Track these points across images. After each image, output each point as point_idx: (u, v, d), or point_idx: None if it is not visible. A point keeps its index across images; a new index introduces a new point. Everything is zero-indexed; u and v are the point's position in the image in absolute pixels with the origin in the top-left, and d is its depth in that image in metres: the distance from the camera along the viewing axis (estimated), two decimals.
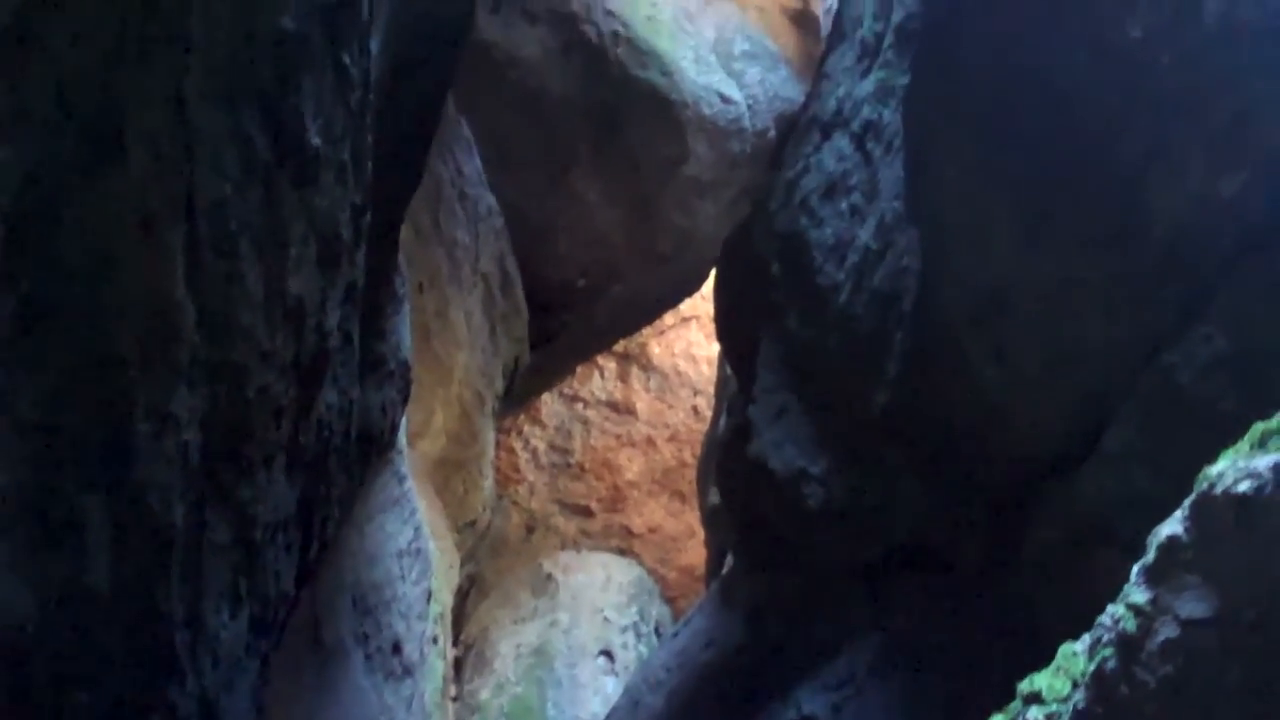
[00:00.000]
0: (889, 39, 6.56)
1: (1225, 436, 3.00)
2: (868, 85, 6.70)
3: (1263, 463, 2.70)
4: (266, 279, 4.16)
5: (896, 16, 6.51)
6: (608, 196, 12.12)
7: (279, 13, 4.07)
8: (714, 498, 10.82)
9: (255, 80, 4.02)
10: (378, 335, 6.31)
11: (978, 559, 5.47)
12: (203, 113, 3.73)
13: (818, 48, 10.78)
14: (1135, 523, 3.28)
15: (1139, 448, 4.17)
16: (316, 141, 4.32)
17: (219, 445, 4.02)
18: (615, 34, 11.90)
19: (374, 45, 4.81)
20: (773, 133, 12.29)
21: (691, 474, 14.77)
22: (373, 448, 6.36)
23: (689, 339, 16.50)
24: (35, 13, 3.11)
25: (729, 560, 9.54)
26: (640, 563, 14.75)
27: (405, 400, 6.91)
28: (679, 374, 16.42)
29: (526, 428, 15.64)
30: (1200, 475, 2.82)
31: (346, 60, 4.49)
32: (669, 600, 14.31)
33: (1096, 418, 4.38)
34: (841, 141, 6.81)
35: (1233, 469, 2.75)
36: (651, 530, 15.53)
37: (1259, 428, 2.78)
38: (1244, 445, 2.79)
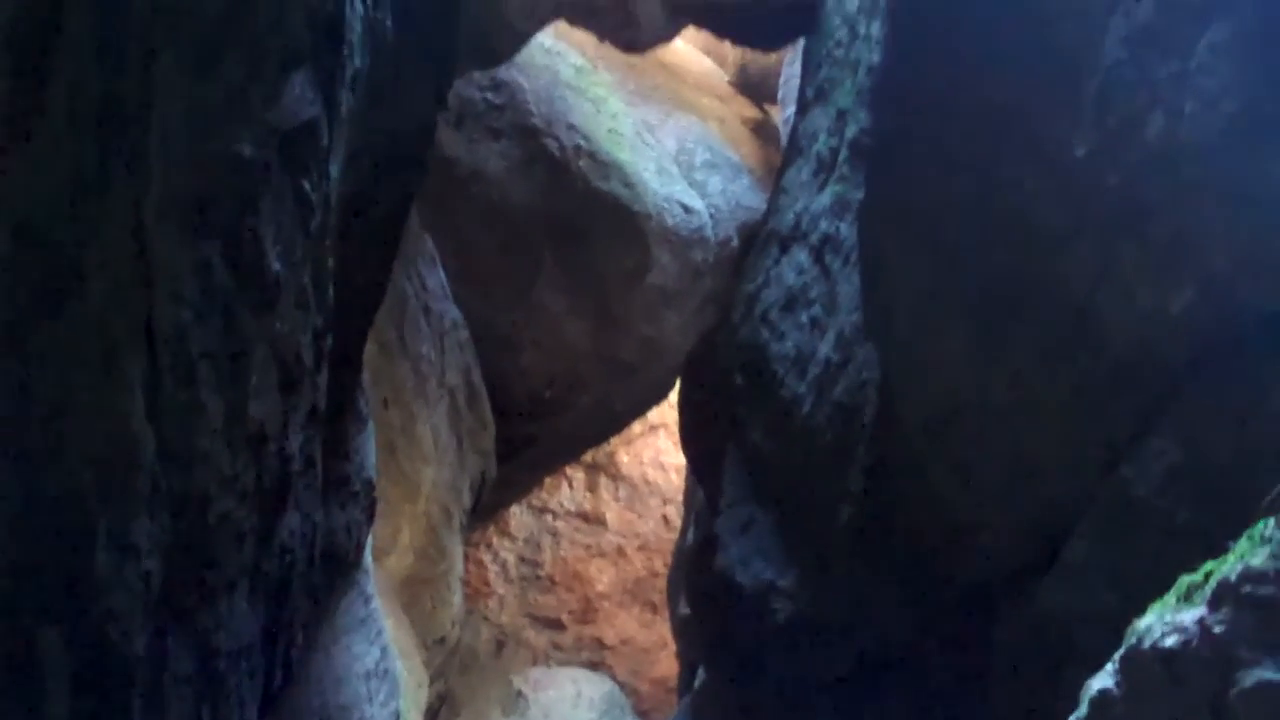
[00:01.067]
0: (844, 154, 6.67)
1: (1184, 548, 3.02)
2: (824, 199, 6.80)
3: (1188, 616, 2.70)
4: (227, 405, 4.16)
5: (850, 132, 6.62)
6: (572, 307, 12.17)
7: (237, 140, 4.11)
8: (684, 608, 10.77)
9: (214, 208, 4.05)
10: (342, 455, 6.30)
11: (948, 669, 5.46)
12: (162, 241, 3.75)
13: (778, 157, 10.91)
14: (1097, 636, 3.28)
15: (1098, 560, 4.19)
16: (276, 267, 4.34)
17: (181, 573, 4.00)
18: (577, 147, 12.03)
19: (334, 168, 4.85)
20: (735, 241, 12.40)
21: (663, 583, 14.70)
22: (338, 569, 6.32)
23: (657, 447, 16.49)
24: None
25: (700, 673, 9.48)
26: (612, 676, 14.61)
27: (370, 520, 6.88)
28: (648, 483, 16.40)
29: (496, 540, 15.56)
30: (1129, 629, 2.83)
31: (306, 186, 4.53)
32: (641, 714, 14.18)
33: (1056, 530, 4.40)
34: (800, 255, 6.89)
35: (1159, 623, 2.75)
36: (624, 642, 15.42)
37: (1184, 581, 2.79)
38: (1170, 598, 2.80)
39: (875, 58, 6.44)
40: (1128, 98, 3.90)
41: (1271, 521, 2.70)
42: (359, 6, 4.85)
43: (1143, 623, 2.81)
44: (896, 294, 5.30)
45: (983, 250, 4.58)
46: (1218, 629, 2.62)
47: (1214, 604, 2.65)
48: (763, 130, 14.06)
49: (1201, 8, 3.61)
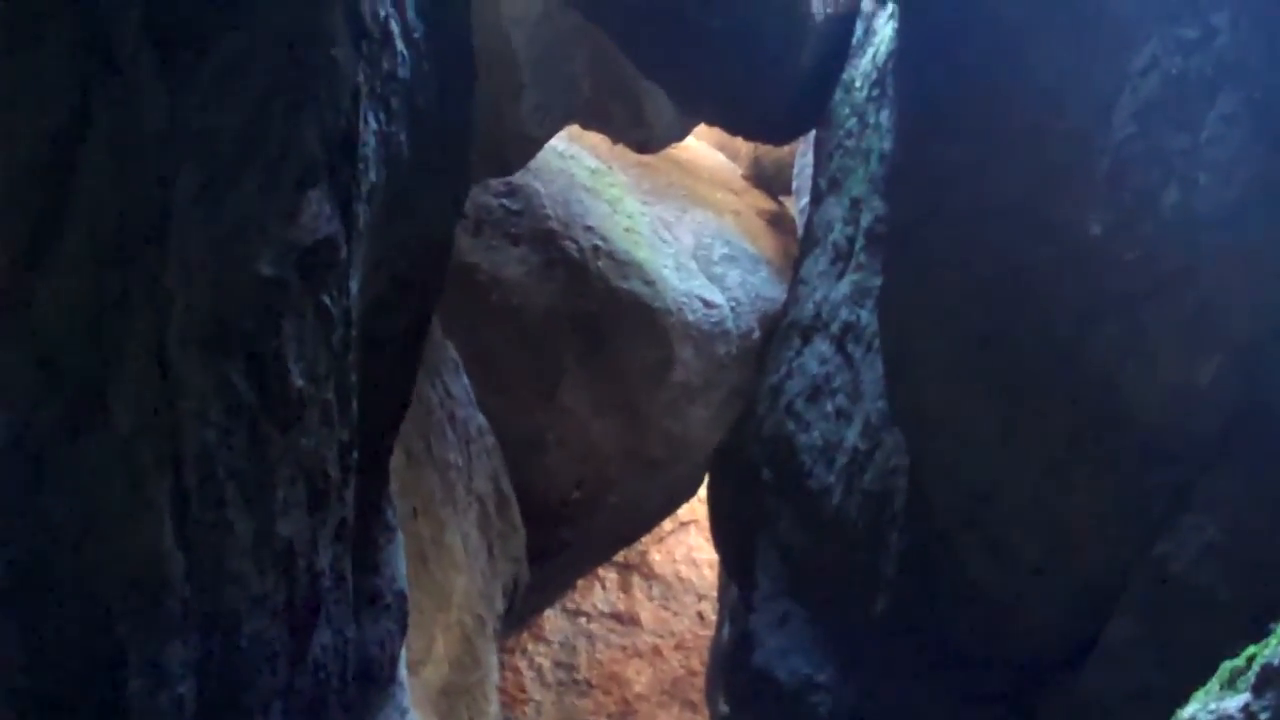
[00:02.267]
0: (860, 242, 6.69)
1: (1226, 626, 2.97)
2: (843, 288, 6.80)
3: (1232, 704, 2.65)
4: (255, 524, 4.16)
5: (865, 220, 6.64)
6: (597, 407, 12.14)
7: (256, 259, 4.14)
8: (724, 706, 10.65)
9: (236, 327, 4.07)
10: (372, 569, 6.27)
11: None
12: (185, 363, 3.76)
13: (795, 247, 10.94)
14: (1143, 716, 3.23)
15: (1140, 640, 4.13)
16: (300, 383, 4.35)
17: (214, 696, 3.97)
18: (596, 248, 12.08)
19: (354, 283, 4.88)
20: (757, 333, 12.38)
21: (701, 682, 14.53)
22: (372, 685, 6.27)
23: (689, 544, 16.38)
24: (20, 274, 3.17)
25: None
26: None
27: (403, 632, 6.83)
28: (681, 580, 16.27)
29: (530, 646, 15.43)
30: (1173, 717, 2.78)
31: (327, 301, 4.55)
32: None
33: (1097, 610, 4.35)
34: (822, 345, 6.89)
35: (1204, 711, 2.71)
36: None
37: (1227, 666, 2.74)
38: (1214, 684, 2.76)
39: (886, 146, 6.48)
40: (1141, 172, 3.91)
41: None
42: (373, 122, 4.91)
43: (1187, 711, 2.76)
44: (922, 379, 5.28)
45: (1006, 332, 4.57)
46: (1263, 716, 2.57)
47: (1258, 690, 2.60)
48: (779, 222, 14.11)
49: (1209, 80, 3.63)
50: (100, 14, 3.32)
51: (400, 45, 5.20)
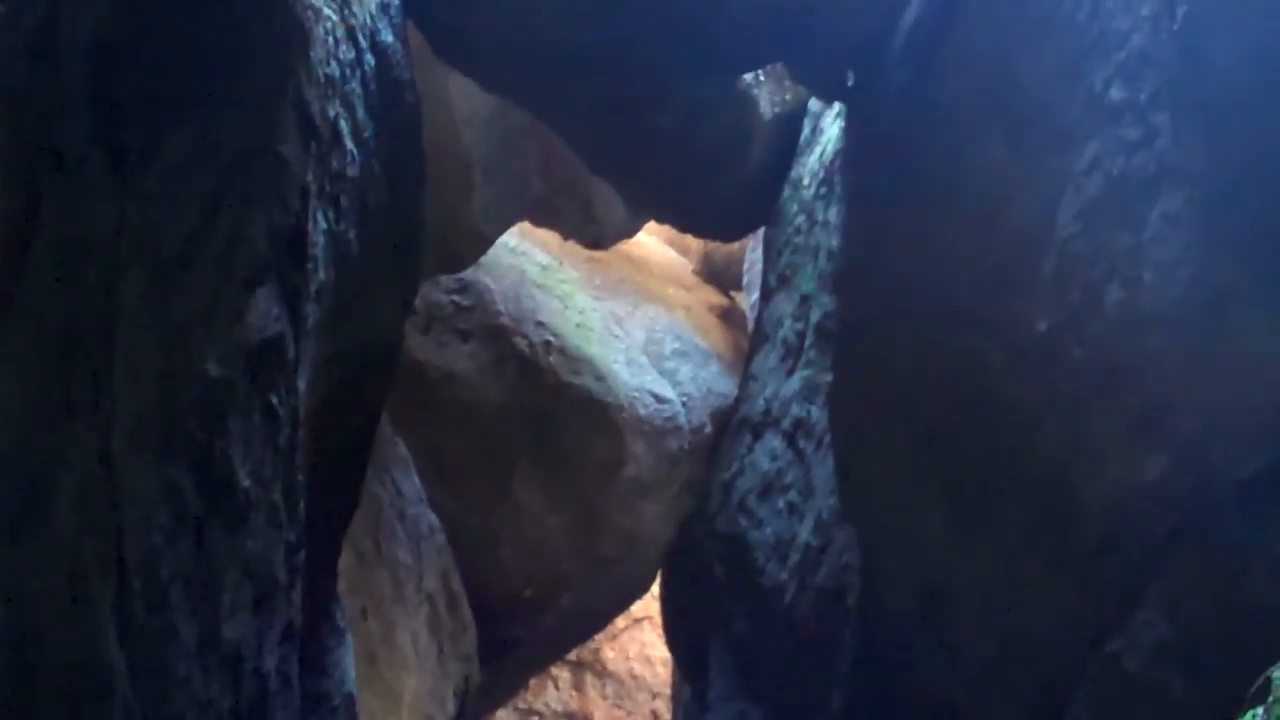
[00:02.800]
0: (810, 338, 6.72)
1: None
2: (794, 384, 6.82)
3: None
4: (200, 628, 4.09)
5: (815, 316, 6.67)
6: (549, 504, 12.08)
7: (203, 359, 4.11)
8: None
9: (182, 429, 4.03)
10: (320, 671, 6.19)
11: None
12: (130, 466, 3.72)
13: (746, 341, 10.99)
14: None
15: None
16: (246, 485, 4.31)
17: None
18: (547, 343, 12.09)
19: (301, 382, 4.85)
20: (709, 428, 12.38)
21: None
22: None
23: (642, 641, 16.26)
24: None
25: None
26: None
27: None
28: (635, 678, 16.13)
29: None
30: None
31: (274, 401, 4.52)
32: None
33: (1051, 709, 4.33)
34: (773, 441, 6.89)
35: None
36: None
37: None
38: None
39: (835, 243, 6.54)
40: (1085, 271, 3.95)
41: (1260, 711, 2.65)
42: (322, 221, 4.91)
43: None
44: (872, 476, 5.29)
45: (956, 428, 4.59)
46: None
47: None
48: (730, 316, 14.18)
49: (1150, 180, 3.68)
50: (49, 115, 3.31)
51: (350, 144, 5.21)
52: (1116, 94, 3.82)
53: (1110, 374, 3.84)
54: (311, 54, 4.72)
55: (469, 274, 11.59)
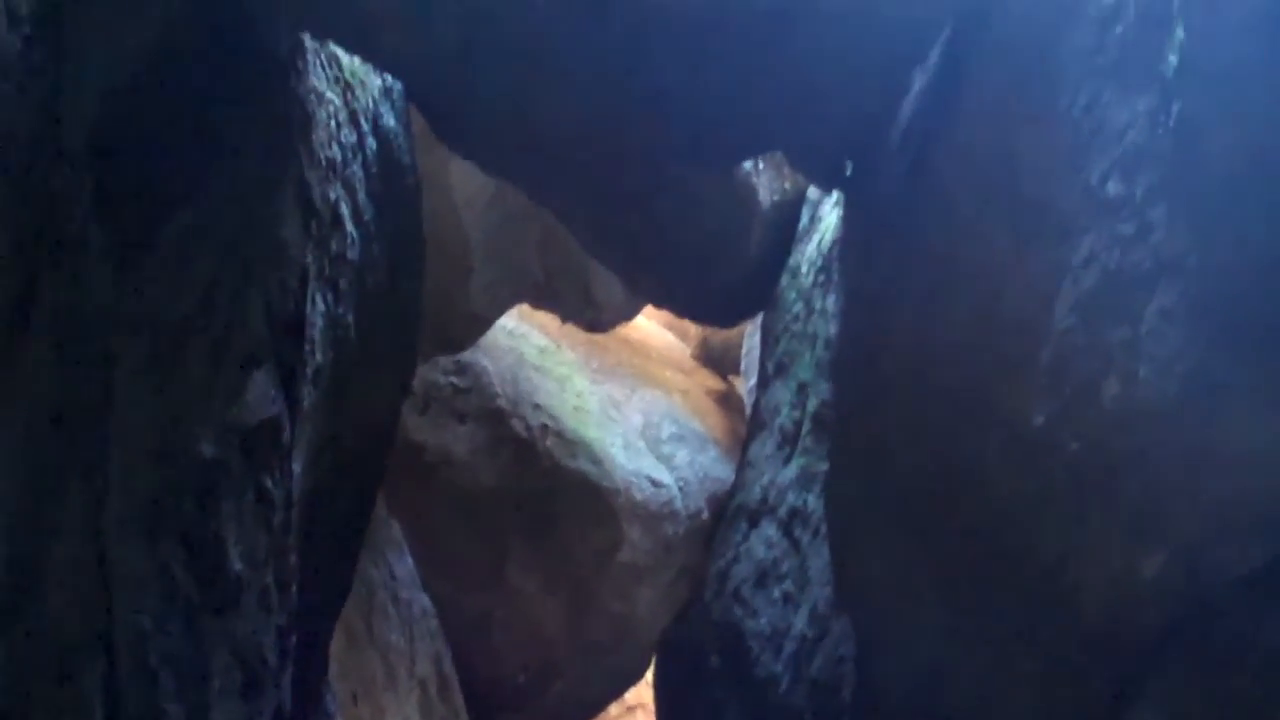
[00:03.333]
0: (807, 426, 6.70)
1: None
2: (790, 472, 6.80)
3: None
4: (189, 711, 4.06)
5: (812, 405, 6.67)
6: (544, 588, 12.03)
7: (197, 440, 4.10)
8: None
9: (175, 509, 4.02)
10: None
11: None
12: (121, 546, 3.70)
13: (744, 426, 10.98)
14: None
15: None
16: (238, 567, 4.29)
17: None
18: (544, 426, 12.09)
19: (296, 465, 4.84)
20: (706, 514, 12.36)
21: None
22: None
23: None
24: None
25: None
26: None
27: None
28: None
29: None
30: None
31: (268, 483, 4.51)
32: None
33: None
34: (769, 529, 6.85)
35: None
36: None
37: None
38: None
39: (832, 330, 6.54)
40: (1082, 364, 3.95)
41: None
42: (321, 303, 4.92)
43: None
44: (868, 567, 5.26)
45: (952, 521, 4.56)
46: None
47: None
48: (727, 401, 14.19)
49: (1146, 275, 3.68)
50: (51, 191, 3.33)
51: (351, 227, 5.24)
52: (1113, 188, 3.83)
53: (1107, 468, 3.82)
54: (314, 137, 4.76)
55: (467, 355, 11.61)
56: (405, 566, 10.38)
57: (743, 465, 8.00)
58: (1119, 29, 3.81)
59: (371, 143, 5.58)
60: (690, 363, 14.80)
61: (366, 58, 5.34)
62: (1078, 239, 3.97)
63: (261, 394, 4.39)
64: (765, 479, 7.24)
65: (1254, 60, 3.29)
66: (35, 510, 3.31)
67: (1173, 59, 3.50)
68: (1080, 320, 3.97)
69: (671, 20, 4.59)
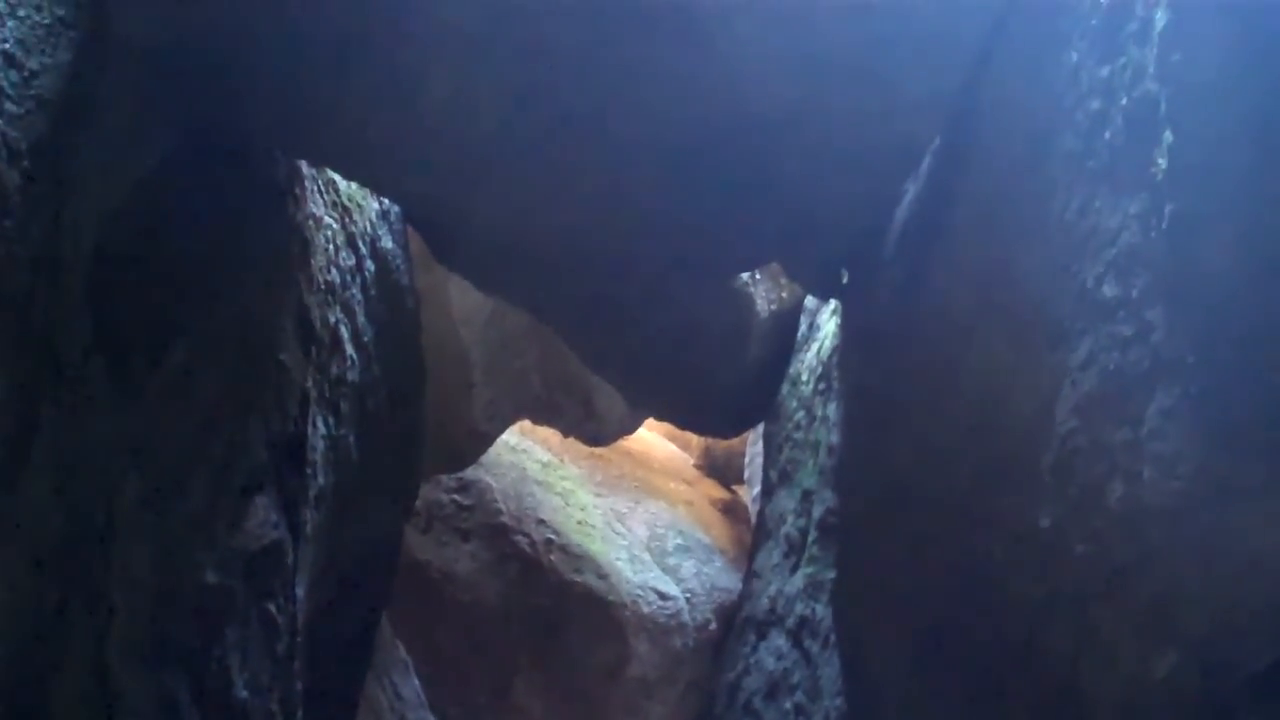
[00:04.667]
0: (813, 534, 6.67)
1: None
2: (797, 581, 6.76)
3: None
4: None
5: (817, 512, 6.64)
6: (552, 707, 11.92)
7: (201, 567, 4.09)
8: None
9: (178, 637, 3.99)
10: None
11: None
12: (125, 675, 3.68)
13: (749, 535, 10.94)
14: None
15: None
16: (244, 695, 4.25)
17: None
18: (548, 541, 12.05)
19: (300, 588, 4.82)
20: (714, 624, 12.28)
21: None
22: None
23: None
24: None
25: None
26: None
27: None
28: None
29: None
30: None
31: (272, 608, 4.49)
32: None
33: None
34: (779, 640, 6.80)
35: None
36: None
37: None
38: None
39: (834, 439, 6.54)
40: (1085, 466, 3.94)
41: None
42: (322, 426, 4.93)
43: None
44: (878, 676, 5.20)
45: (962, 627, 4.53)
46: None
47: None
48: (732, 510, 14.14)
49: (1146, 375, 3.68)
50: (50, 320, 3.35)
51: (350, 349, 5.26)
52: (1109, 290, 3.85)
53: (1115, 570, 3.80)
54: (312, 262, 4.80)
55: (469, 472, 11.60)
56: (411, 687, 10.27)
57: (750, 575, 7.96)
58: (1107, 134, 3.85)
59: (370, 265, 5.62)
60: (693, 473, 14.78)
61: (364, 184, 5.40)
62: (1076, 341, 3.98)
63: (263, 519, 4.39)
64: (773, 589, 7.20)
65: (1243, 161, 3.32)
66: (38, 641, 3.29)
67: (1162, 162, 3.54)
68: (1082, 422, 3.97)
69: (661, 142, 4.65)
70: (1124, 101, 3.74)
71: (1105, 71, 3.86)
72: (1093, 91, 3.93)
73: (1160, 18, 3.55)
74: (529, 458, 12.69)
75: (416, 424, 6.58)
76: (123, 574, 3.67)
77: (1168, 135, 3.51)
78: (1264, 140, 3.28)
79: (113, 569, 3.63)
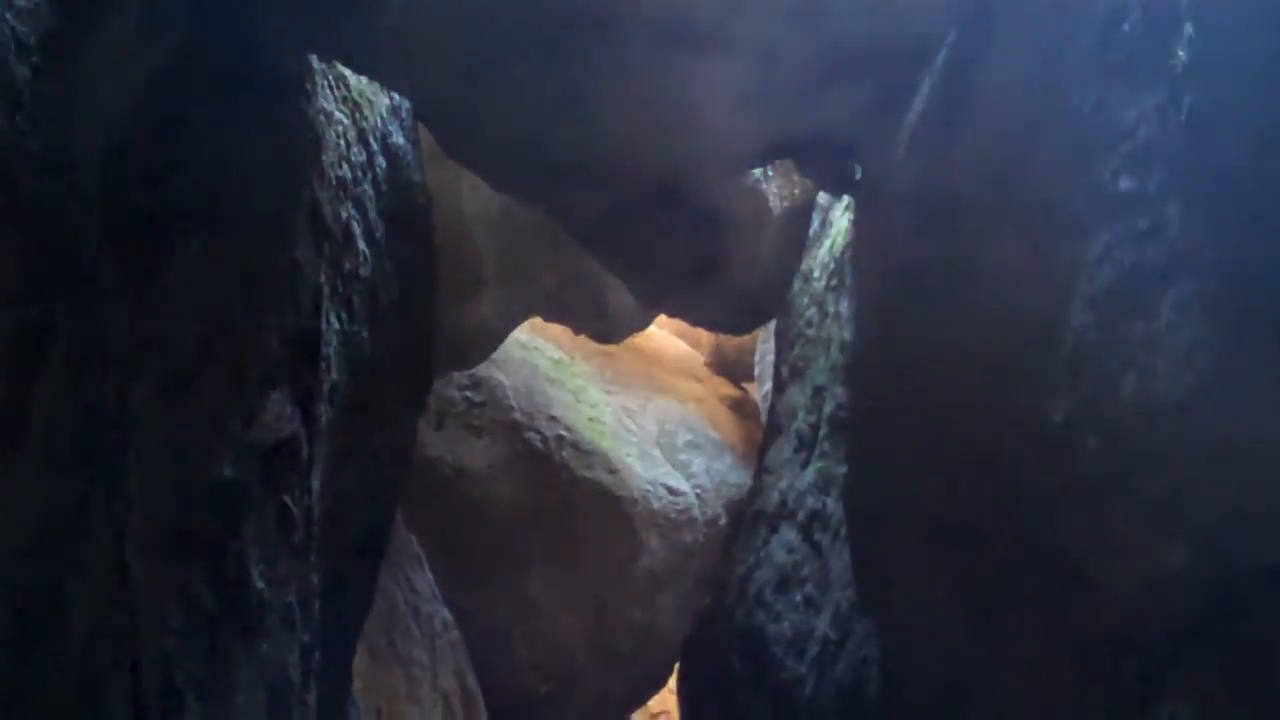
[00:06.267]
0: (824, 430, 6.70)
1: None
2: (808, 476, 6.79)
3: None
4: None
5: (828, 408, 6.66)
6: (564, 600, 12.06)
7: (217, 461, 4.11)
8: None
9: (196, 531, 4.03)
10: None
11: None
12: (145, 571, 3.71)
13: (759, 433, 11.00)
14: None
15: None
16: (261, 586, 4.30)
17: None
18: (560, 438, 12.12)
19: (315, 482, 4.85)
20: (724, 520, 12.38)
21: None
22: None
23: None
24: None
25: None
26: None
27: None
28: None
29: None
30: None
31: (288, 501, 4.52)
32: None
33: None
34: (789, 534, 6.85)
35: None
36: None
37: None
38: None
39: (846, 335, 6.54)
40: (1099, 360, 3.93)
41: None
42: (334, 321, 4.93)
43: None
44: (889, 571, 5.24)
45: (973, 523, 4.55)
46: None
47: None
48: (742, 408, 14.19)
49: (1162, 270, 3.67)
50: (62, 223, 3.34)
51: (362, 245, 5.25)
52: (1125, 184, 3.83)
53: (1128, 464, 3.81)
54: (323, 157, 4.77)
55: (481, 370, 11.64)
56: (425, 580, 10.39)
57: (760, 471, 8.00)
58: (1126, 27, 3.80)
59: (381, 161, 5.60)
60: (704, 370, 14.81)
61: (375, 79, 5.35)
62: (1091, 236, 3.96)
63: (278, 413, 4.41)
64: (783, 484, 7.24)
65: (1263, 54, 3.29)
66: (59, 537, 3.31)
67: (1182, 54, 3.50)
68: (1096, 317, 3.96)
69: (669, 40, 4.62)
70: None
71: None
72: None
73: None
74: (540, 355, 12.73)
75: (429, 320, 6.59)
76: (139, 470, 3.69)
77: (1188, 28, 3.47)
78: None
79: (129, 464, 3.65)
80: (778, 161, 7.09)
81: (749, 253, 7.53)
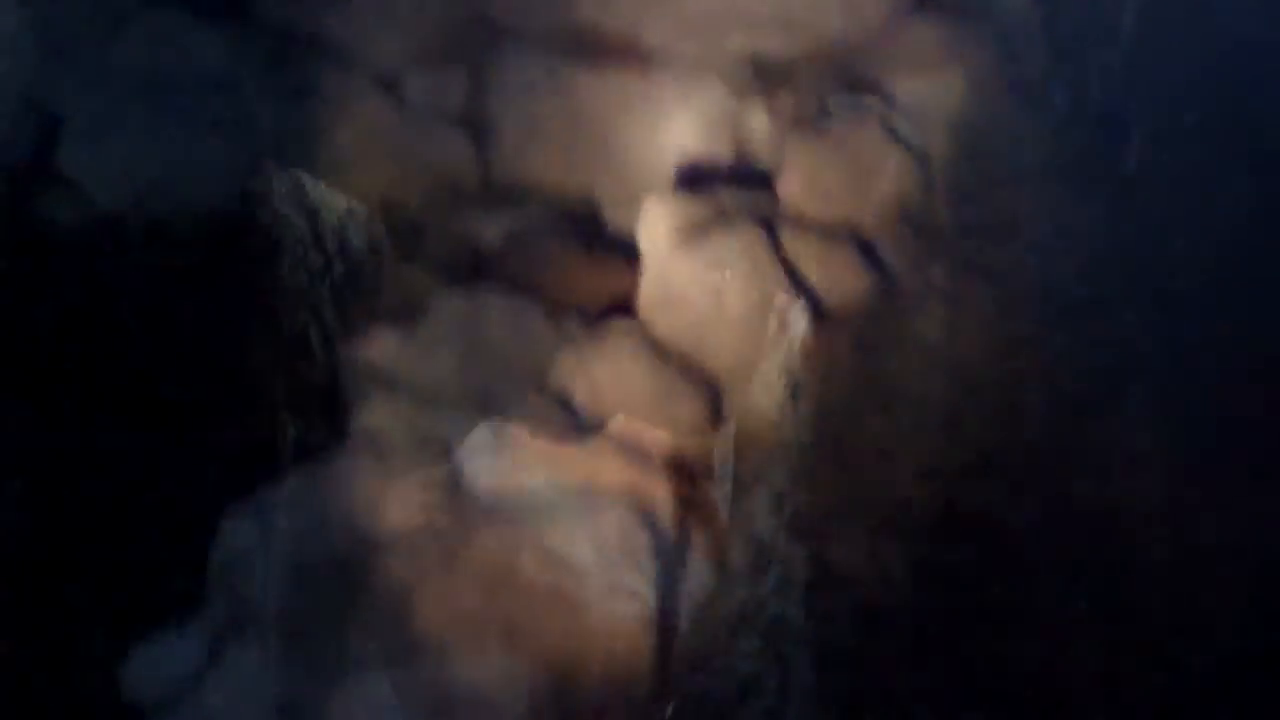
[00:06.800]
0: (783, 535, 6.61)
1: None
2: (769, 582, 6.73)
3: None
4: None
5: (788, 513, 6.59)
6: None
7: None
8: None
9: None
10: None
11: None
12: None
13: (720, 535, 10.80)
14: None
15: None
16: None
17: None
18: None
19: None
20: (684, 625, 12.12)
21: None
22: None
23: None
24: None
25: None
26: None
27: None
28: None
29: None
30: None
31: None
32: None
33: None
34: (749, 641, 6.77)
35: None
36: None
37: None
38: None
39: (806, 439, 6.50)
40: None
41: None
42: None
43: None
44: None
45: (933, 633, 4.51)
46: None
47: None
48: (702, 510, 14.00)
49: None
50: None
51: None
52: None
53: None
54: None
55: None
56: None
57: (720, 575, 7.93)
58: None
59: None
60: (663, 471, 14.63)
61: None
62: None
63: None
64: (744, 590, 7.18)
65: None
66: None
67: None
68: None
69: None
70: None
71: None
72: None
73: None
74: None
75: None
76: None
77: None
78: None
79: None
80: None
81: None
